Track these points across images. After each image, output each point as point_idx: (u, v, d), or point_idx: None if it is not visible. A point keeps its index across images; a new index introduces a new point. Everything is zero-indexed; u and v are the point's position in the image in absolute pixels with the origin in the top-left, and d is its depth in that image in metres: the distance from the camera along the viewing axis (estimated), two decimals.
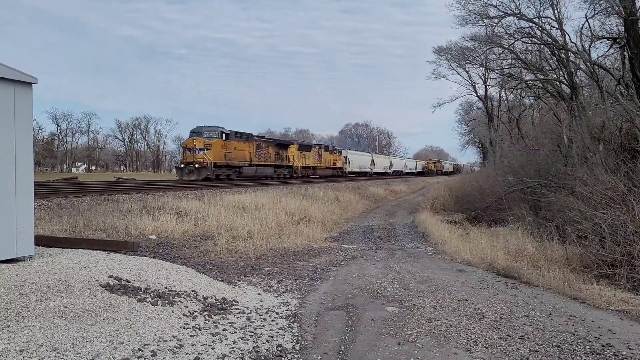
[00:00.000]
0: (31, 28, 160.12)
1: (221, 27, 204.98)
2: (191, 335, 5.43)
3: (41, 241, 7.99)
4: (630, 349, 5.80)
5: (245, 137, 36.74)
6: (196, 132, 32.74)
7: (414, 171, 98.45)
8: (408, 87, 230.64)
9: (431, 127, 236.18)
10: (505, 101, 42.12)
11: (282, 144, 44.83)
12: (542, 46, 23.96)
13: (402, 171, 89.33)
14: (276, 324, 6.27)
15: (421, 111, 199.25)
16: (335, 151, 58.48)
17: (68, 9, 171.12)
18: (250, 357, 5.09)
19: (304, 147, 49.62)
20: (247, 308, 6.77)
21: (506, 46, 25.24)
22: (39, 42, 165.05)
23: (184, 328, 5.61)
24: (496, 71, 31.97)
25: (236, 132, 35.20)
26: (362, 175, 67.47)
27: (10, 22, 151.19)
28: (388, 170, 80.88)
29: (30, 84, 6.83)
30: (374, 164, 74.48)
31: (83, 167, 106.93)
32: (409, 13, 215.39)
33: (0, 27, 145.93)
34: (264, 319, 6.40)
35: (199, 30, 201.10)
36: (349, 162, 62.05)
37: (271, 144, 41.75)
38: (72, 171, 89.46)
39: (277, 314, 6.72)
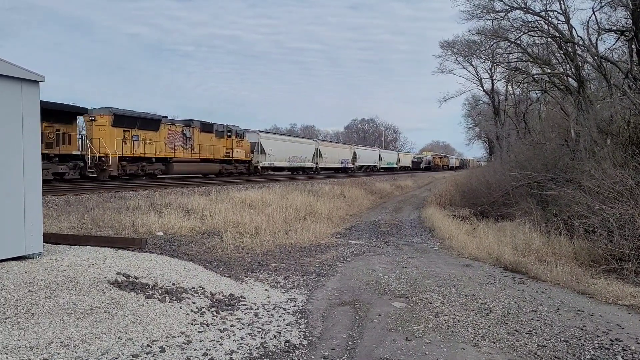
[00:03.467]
0: (40, 28, 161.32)
1: (227, 24, 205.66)
2: (199, 332, 5.46)
3: (49, 238, 8.05)
4: (639, 343, 5.78)
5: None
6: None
7: (416, 165, 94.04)
8: (414, 83, 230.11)
9: (437, 123, 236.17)
10: (512, 95, 41.92)
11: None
12: (548, 40, 23.83)
13: (394, 166, 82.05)
14: (283, 319, 6.29)
15: (427, 106, 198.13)
16: (232, 133, 36.15)
17: (75, 9, 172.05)
18: (258, 353, 5.11)
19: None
20: (255, 304, 6.79)
21: (513, 40, 25.14)
22: (47, 41, 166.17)
23: (192, 324, 5.64)
24: (503, 65, 31.87)
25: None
26: (341, 171, 57.56)
27: (22, 24, 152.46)
28: (377, 164, 73.07)
29: (37, 82, 6.87)
30: (357, 159, 64.06)
31: None
32: (414, 9, 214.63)
33: (14, 28, 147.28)
34: (272, 315, 6.42)
35: (206, 28, 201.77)
36: (321, 156, 52.07)
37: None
38: None
39: (285, 309, 6.73)
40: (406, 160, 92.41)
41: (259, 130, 42.29)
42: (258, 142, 40.14)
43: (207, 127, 33.48)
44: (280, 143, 44.70)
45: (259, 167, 40.03)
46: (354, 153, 63.15)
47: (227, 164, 35.47)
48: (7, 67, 6.39)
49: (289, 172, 46.97)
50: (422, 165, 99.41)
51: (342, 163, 57.97)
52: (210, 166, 33.61)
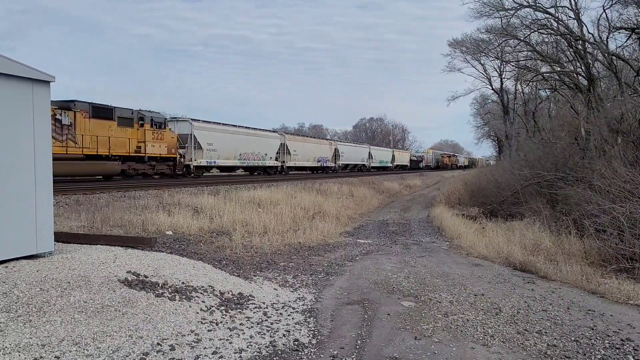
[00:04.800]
0: (51, 30, 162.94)
1: (236, 25, 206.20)
2: (209, 330, 5.49)
3: (60, 237, 8.12)
4: None
5: None
6: None
7: (404, 163, 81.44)
8: (422, 82, 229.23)
9: (446, 122, 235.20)
10: (521, 94, 41.73)
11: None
12: (558, 37, 23.68)
13: (389, 165, 73.10)
14: (292, 318, 6.30)
15: (435, 106, 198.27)
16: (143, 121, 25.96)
17: (86, 10, 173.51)
18: (267, 352, 5.13)
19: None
20: (264, 303, 6.81)
21: (522, 38, 24.99)
22: (57, 42, 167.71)
23: (202, 323, 5.66)
24: (512, 63, 31.71)
25: None
26: (320, 171, 50.21)
27: (33, 26, 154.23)
28: (366, 163, 64.59)
29: (48, 82, 6.93)
30: (340, 156, 55.87)
31: None
32: (423, 8, 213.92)
33: (25, 30, 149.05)
34: (281, 314, 6.43)
35: (215, 29, 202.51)
36: (289, 153, 43.19)
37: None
38: None
39: (294, 308, 6.75)
40: (403, 159, 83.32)
41: (193, 119, 32.06)
42: (191, 134, 30.76)
43: (101, 112, 23.63)
44: (226, 136, 34.29)
45: (192, 167, 30.86)
46: (336, 150, 54.76)
47: (138, 162, 25.81)
48: (18, 68, 6.45)
49: (248, 173, 39.69)
50: (422, 165, 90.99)
51: (319, 162, 49.58)
52: (103, 165, 23.75)
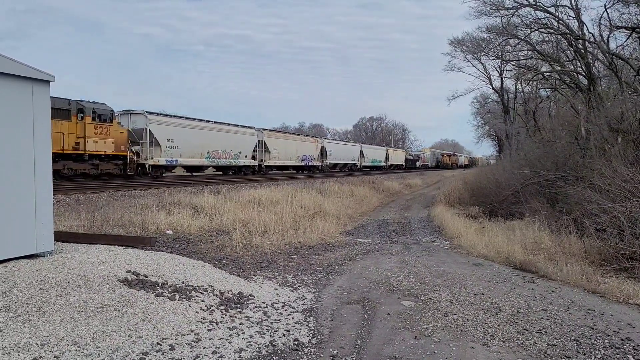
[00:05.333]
0: (54, 30, 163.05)
1: (238, 24, 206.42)
2: (208, 330, 5.48)
3: (60, 237, 8.12)
4: None
5: None
6: None
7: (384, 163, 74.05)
8: (423, 81, 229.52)
9: (446, 121, 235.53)
10: (521, 93, 41.72)
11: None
12: (559, 37, 23.68)
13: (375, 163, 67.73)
14: (292, 318, 6.30)
15: (436, 105, 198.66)
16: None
17: (88, 10, 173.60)
18: (267, 351, 5.12)
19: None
20: (264, 302, 6.81)
21: (522, 37, 24.98)
22: (58, 42, 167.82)
23: (202, 322, 5.66)
24: (512, 63, 31.72)
25: None
26: (305, 170, 47.24)
27: (36, 26, 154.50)
28: (357, 162, 61.57)
29: (47, 81, 6.92)
30: (327, 155, 52.89)
31: None
32: (424, 7, 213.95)
33: (28, 30, 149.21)
34: (280, 314, 6.43)
35: (217, 28, 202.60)
36: (268, 151, 40.10)
37: None
38: None
39: (293, 308, 6.74)
40: (398, 158, 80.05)
41: (148, 112, 28.08)
42: (146, 129, 27.07)
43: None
44: (190, 131, 30.69)
45: (148, 166, 27.09)
46: (322, 148, 51.39)
47: (77, 160, 22.91)
48: (18, 67, 6.45)
49: (221, 173, 36.79)
50: (419, 164, 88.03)
51: (303, 160, 46.28)
52: None
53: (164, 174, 29.90)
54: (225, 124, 36.28)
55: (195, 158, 31.54)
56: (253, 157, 38.39)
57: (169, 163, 29.14)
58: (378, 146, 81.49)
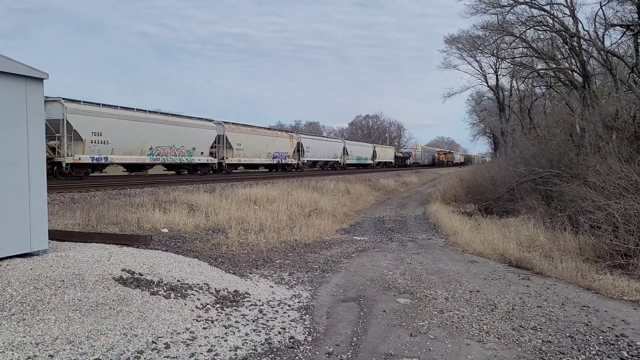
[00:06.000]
0: (52, 29, 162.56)
1: (236, 23, 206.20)
2: (204, 328, 5.48)
3: (55, 235, 8.09)
4: None
5: None
6: None
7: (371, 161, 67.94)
8: (420, 79, 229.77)
9: (442, 119, 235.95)
10: (517, 91, 41.78)
11: None
12: (554, 34, 23.72)
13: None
14: (288, 316, 6.29)
15: (432, 103, 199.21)
16: None
17: (87, 9, 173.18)
18: (262, 349, 5.12)
19: None
20: (259, 300, 6.80)
21: (517, 35, 25.04)
22: (58, 42, 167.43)
23: (197, 320, 5.65)
24: (507, 60, 31.81)
25: None
26: (280, 169, 42.72)
27: (35, 25, 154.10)
28: (339, 160, 56.34)
29: (41, 79, 6.89)
30: (305, 152, 47.21)
31: None
32: (422, 5, 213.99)
33: (27, 29, 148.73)
34: (276, 311, 6.43)
35: (215, 26, 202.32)
36: (230, 148, 35.22)
37: None
38: None
39: (289, 306, 6.74)
40: (386, 155, 75.59)
41: (66, 98, 23.42)
42: (63, 120, 22.73)
43: None
44: (124, 123, 26.07)
45: (64, 165, 22.83)
46: (298, 144, 46.08)
47: None
48: (11, 65, 6.41)
49: (174, 172, 32.77)
50: (409, 162, 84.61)
51: (275, 158, 41.25)
52: None
53: (90, 174, 25.62)
54: (175, 115, 32.04)
55: (134, 155, 27.08)
56: (212, 154, 33.51)
57: (95, 161, 24.60)
58: (364, 143, 77.34)
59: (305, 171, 44.92)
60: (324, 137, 65.25)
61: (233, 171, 36.56)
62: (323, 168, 53.13)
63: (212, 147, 33.43)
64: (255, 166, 40.86)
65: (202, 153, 32.32)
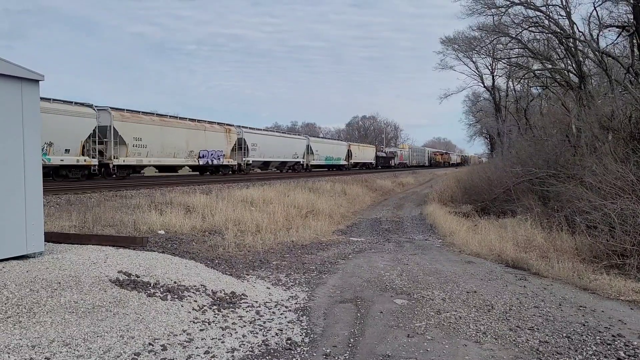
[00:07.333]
0: (47, 28, 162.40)
1: (231, 23, 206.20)
2: (201, 330, 5.46)
3: (51, 237, 8.05)
4: None
5: None
6: None
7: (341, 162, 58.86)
8: (416, 80, 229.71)
9: (439, 119, 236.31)
10: (513, 91, 41.94)
11: None
12: (549, 35, 23.81)
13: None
14: (285, 317, 6.28)
15: (429, 103, 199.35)
16: None
17: (82, 9, 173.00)
18: (260, 351, 5.11)
19: None
20: (256, 302, 6.79)
21: (513, 35, 25.12)
22: (53, 41, 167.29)
23: (194, 322, 5.63)
24: (503, 61, 31.95)
25: None
26: (211, 171, 34.10)
27: (31, 25, 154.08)
28: (302, 160, 47.93)
29: (37, 81, 6.87)
30: (248, 150, 37.51)
31: None
32: (417, 6, 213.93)
33: (23, 29, 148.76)
34: (273, 313, 6.42)
35: (210, 27, 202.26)
36: (124, 144, 25.71)
37: None
38: None
39: (286, 307, 6.73)
40: (365, 155, 66.35)
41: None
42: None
43: None
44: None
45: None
46: (240, 141, 36.93)
47: None
48: (7, 67, 6.39)
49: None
50: (394, 162, 76.19)
51: (202, 157, 32.12)
52: None
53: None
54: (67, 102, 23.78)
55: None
56: (88, 154, 23.98)
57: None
58: (336, 140, 69.52)
59: (252, 174, 37.69)
60: (278, 132, 55.09)
61: (126, 175, 26.89)
62: (281, 170, 44.16)
63: (86, 142, 23.88)
64: (169, 168, 31.90)
65: (68, 151, 22.62)
